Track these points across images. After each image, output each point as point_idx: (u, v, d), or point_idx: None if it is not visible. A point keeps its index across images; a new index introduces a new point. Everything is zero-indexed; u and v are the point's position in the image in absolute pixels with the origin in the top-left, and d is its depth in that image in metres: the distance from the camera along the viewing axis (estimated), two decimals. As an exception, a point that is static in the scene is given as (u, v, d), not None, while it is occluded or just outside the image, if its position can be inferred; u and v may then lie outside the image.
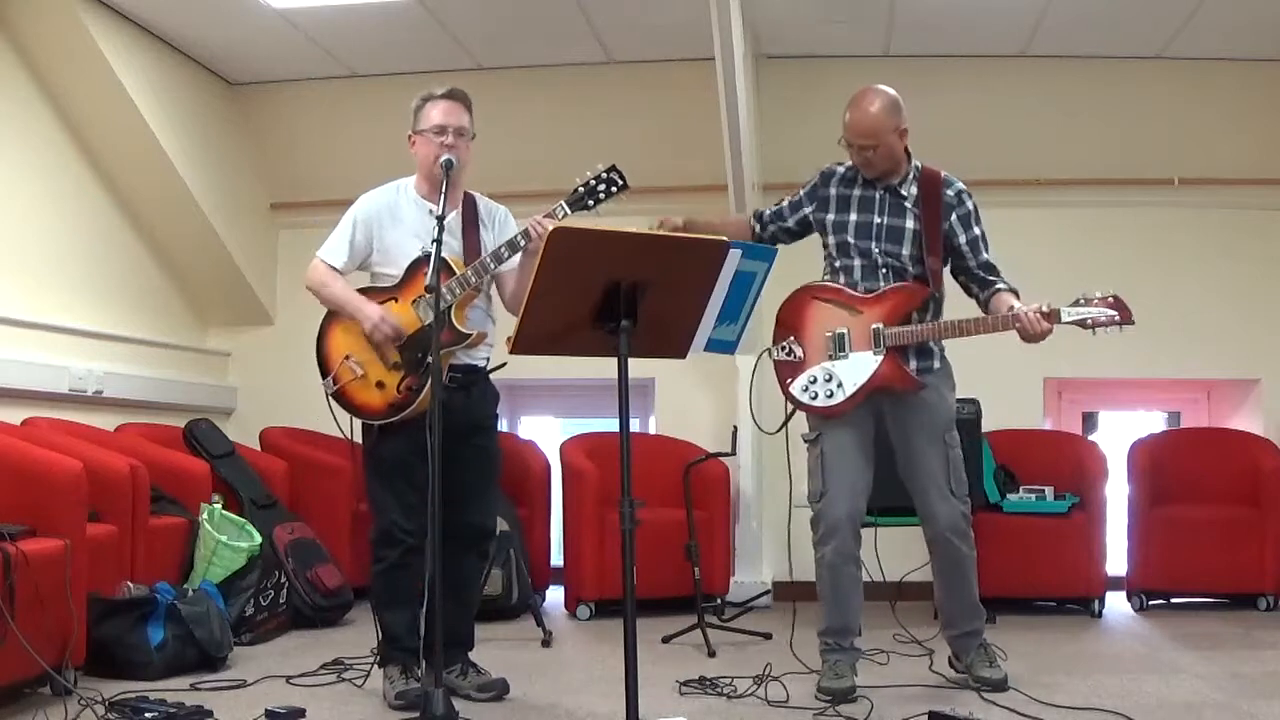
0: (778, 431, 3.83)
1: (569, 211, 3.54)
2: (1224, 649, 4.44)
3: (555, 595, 5.68)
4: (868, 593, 3.82)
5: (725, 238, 3.00)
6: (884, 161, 3.69)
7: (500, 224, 3.81)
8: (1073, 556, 5.28)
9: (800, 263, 3.98)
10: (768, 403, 4.21)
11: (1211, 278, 6.13)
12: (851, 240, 3.74)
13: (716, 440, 5.86)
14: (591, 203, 3.56)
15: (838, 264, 3.78)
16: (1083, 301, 3.55)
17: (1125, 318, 3.51)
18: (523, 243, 3.54)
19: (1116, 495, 5.50)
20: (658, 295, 2.78)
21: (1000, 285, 3.72)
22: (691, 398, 6.29)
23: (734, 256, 3.00)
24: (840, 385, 3.66)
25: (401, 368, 3.59)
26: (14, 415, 4.83)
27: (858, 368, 3.65)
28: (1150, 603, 5.49)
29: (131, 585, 4.10)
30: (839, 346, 3.68)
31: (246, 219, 6.50)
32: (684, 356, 3.05)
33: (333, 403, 3.66)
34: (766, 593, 5.84)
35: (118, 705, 3.38)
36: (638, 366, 2.83)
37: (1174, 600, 5.54)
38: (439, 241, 3.37)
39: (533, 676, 4.00)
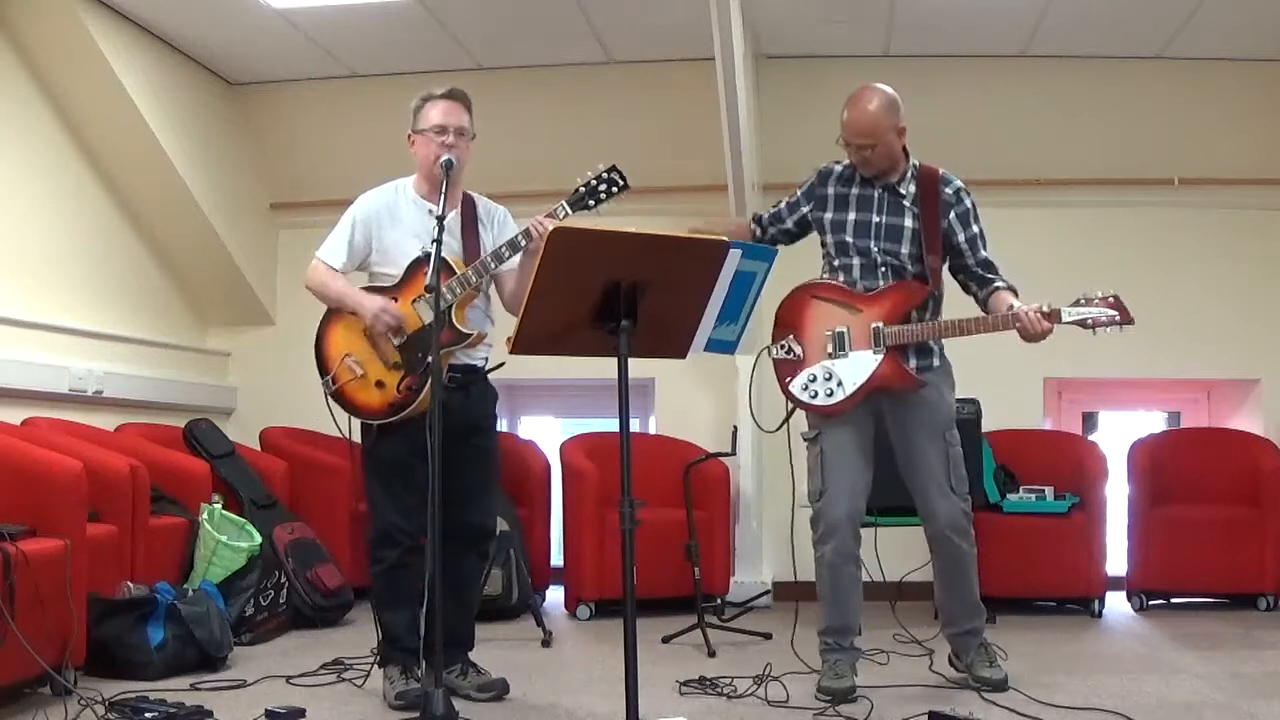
0: (777, 430, 3.83)
1: (570, 211, 3.54)
2: (1224, 649, 4.44)
3: (555, 595, 5.68)
4: (868, 593, 3.82)
5: (725, 238, 3.00)
6: (882, 160, 3.68)
7: (499, 224, 3.81)
8: (1073, 556, 5.28)
9: (800, 262, 3.98)
10: (768, 402, 4.21)
11: (1211, 278, 6.13)
12: (850, 239, 3.74)
13: (716, 440, 5.86)
14: (592, 203, 3.57)
15: (836, 263, 3.78)
16: (1083, 301, 3.55)
17: (1125, 318, 3.52)
18: (524, 242, 3.54)
19: (1116, 495, 5.50)
20: (658, 295, 2.78)
21: (999, 283, 3.72)
22: (691, 398, 6.29)
23: (734, 256, 3.00)
24: (840, 384, 3.66)
25: (401, 367, 3.59)
26: (14, 415, 4.83)
27: (857, 366, 3.65)
28: (1150, 603, 5.49)
29: (131, 585, 4.10)
30: (839, 345, 3.68)
31: (246, 219, 6.50)
32: (684, 356, 3.05)
33: (331, 402, 3.66)
34: (766, 593, 5.84)
35: (118, 705, 3.38)
36: (638, 366, 2.83)
37: (1174, 600, 5.54)
38: (439, 241, 3.37)
39: (533, 676, 4.00)
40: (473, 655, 3.79)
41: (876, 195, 3.74)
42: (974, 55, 5.92)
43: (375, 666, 3.78)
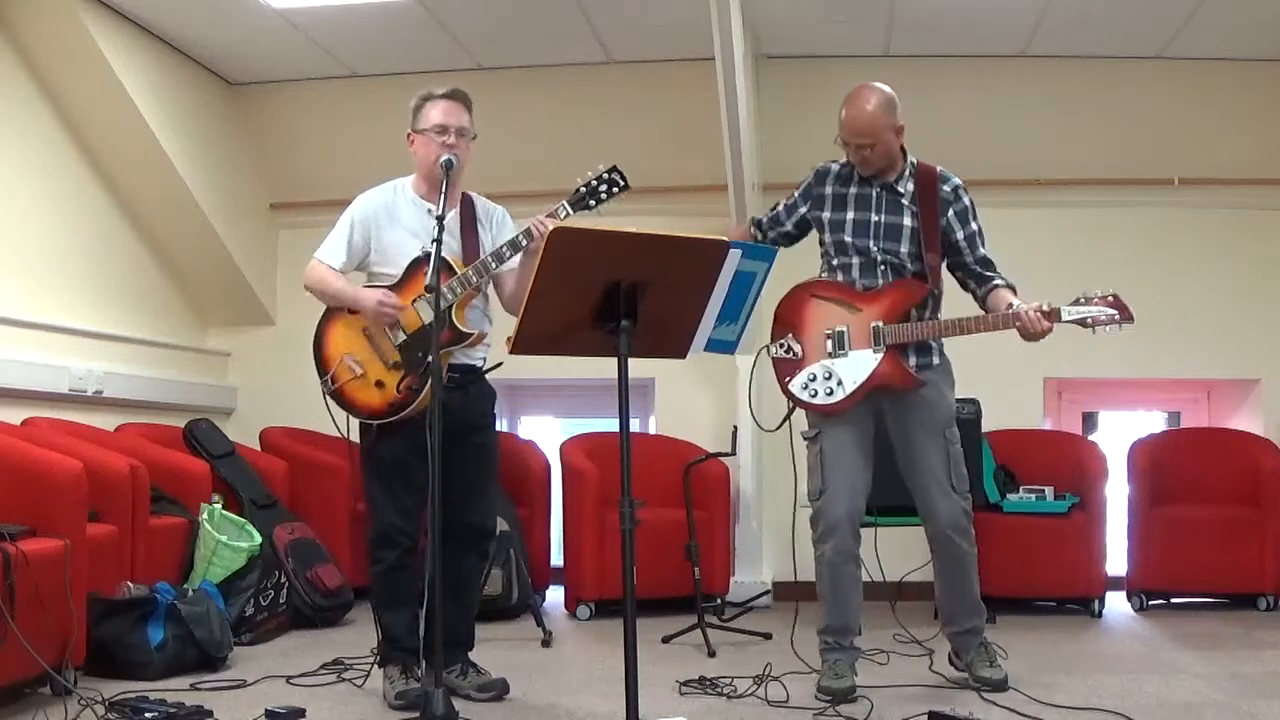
0: (777, 430, 3.83)
1: (571, 211, 3.54)
2: (1224, 649, 4.43)
3: (555, 595, 5.68)
4: (868, 593, 3.82)
5: (725, 238, 3.00)
6: (881, 159, 3.69)
7: (498, 224, 3.81)
8: (1073, 556, 5.28)
9: (800, 262, 3.98)
10: (767, 402, 4.21)
11: (1211, 278, 6.13)
12: (849, 238, 3.73)
13: (716, 440, 5.86)
14: (593, 203, 3.57)
15: (835, 262, 3.78)
16: (1083, 300, 3.55)
17: (1125, 316, 3.52)
18: (525, 242, 3.54)
19: (1116, 495, 5.50)
20: (658, 295, 2.78)
21: (998, 281, 3.72)
22: (691, 398, 6.28)
23: (734, 256, 3.00)
24: (840, 383, 3.66)
25: (401, 367, 3.59)
26: (14, 415, 4.83)
27: (857, 365, 3.65)
28: (1150, 603, 5.49)
29: (131, 585, 4.10)
30: (838, 344, 3.68)
31: (246, 219, 6.50)
32: (684, 356, 3.05)
33: (331, 402, 3.66)
34: (766, 593, 5.84)
35: (118, 705, 3.38)
36: (638, 366, 2.83)
37: (1174, 600, 5.54)
38: (439, 241, 3.37)
39: (533, 676, 4.00)
40: (473, 655, 3.79)
41: (875, 194, 3.74)
42: (974, 55, 5.92)
43: (375, 666, 3.78)
